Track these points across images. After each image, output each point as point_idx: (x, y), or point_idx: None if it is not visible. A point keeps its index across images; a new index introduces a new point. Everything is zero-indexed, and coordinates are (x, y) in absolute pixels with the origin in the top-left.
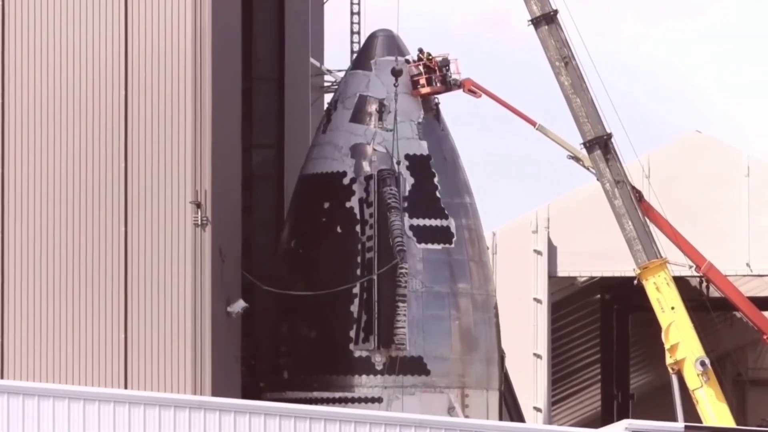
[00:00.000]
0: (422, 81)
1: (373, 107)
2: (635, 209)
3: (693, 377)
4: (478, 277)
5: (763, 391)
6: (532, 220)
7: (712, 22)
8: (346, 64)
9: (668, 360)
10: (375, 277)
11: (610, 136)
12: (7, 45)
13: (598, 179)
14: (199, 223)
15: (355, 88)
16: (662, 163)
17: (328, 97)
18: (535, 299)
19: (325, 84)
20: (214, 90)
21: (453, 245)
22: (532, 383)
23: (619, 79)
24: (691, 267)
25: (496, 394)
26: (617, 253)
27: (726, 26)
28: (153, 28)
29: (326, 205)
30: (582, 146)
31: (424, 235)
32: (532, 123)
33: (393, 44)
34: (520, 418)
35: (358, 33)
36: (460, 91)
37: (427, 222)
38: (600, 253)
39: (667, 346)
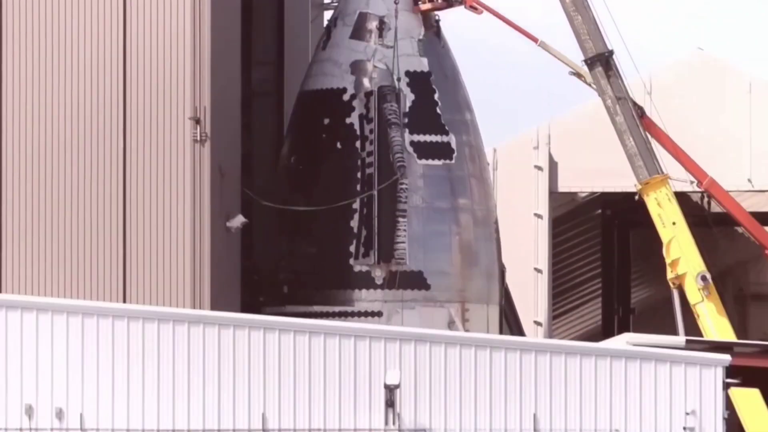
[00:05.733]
0: None
1: (373, 24)
2: (636, 125)
3: (694, 292)
4: (479, 192)
5: (765, 306)
6: (533, 136)
7: None
8: None
9: (669, 275)
10: (375, 193)
11: (611, 53)
12: None
13: (599, 95)
14: (198, 139)
15: (355, 5)
16: (664, 79)
17: (328, 15)
18: (535, 215)
19: (325, 1)
20: (214, 6)
21: (453, 161)
22: (532, 298)
23: None
24: (692, 182)
25: (497, 308)
26: (618, 169)
27: None
28: None
29: (326, 121)
30: (583, 63)
31: (424, 151)
32: (534, 39)
33: None
34: (520, 332)
35: None
36: (462, 7)
37: (428, 138)
38: (601, 169)
39: (668, 261)
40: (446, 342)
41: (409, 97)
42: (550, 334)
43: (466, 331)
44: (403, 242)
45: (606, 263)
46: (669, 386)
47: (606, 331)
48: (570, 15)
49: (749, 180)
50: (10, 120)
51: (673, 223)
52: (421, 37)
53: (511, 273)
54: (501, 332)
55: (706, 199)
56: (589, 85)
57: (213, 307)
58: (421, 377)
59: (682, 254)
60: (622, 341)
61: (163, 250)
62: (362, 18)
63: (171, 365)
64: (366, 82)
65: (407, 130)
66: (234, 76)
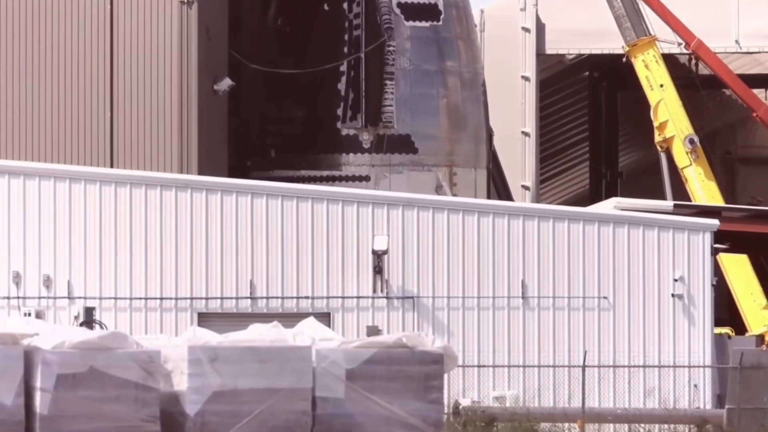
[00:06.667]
0: None
1: None
2: None
3: (682, 155)
4: (466, 55)
5: (753, 169)
6: None
7: None
8: None
9: (657, 138)
10: (362, 55)
11: None
12: None
13: None
14: (186, 0)
15: None
16: None
17: None
18: (523, 77)
19: None
20: None
21: (441, 23)
22: (520, 162)
23: None
24: (680, 44)
25: (484, 172)
26: (606, 31)
27: None
28: None
29: None
30: None
31: (411, 12)
32: None
33: None
34: (508, 196)
35: None
36: None
37: None
38: (589, 30)
39: (655, 124)
40: (434, 206)
41: None
42: (538, 198)
43: (454, 195)
44: (391, 105)
45: (593, 126)
46: (657, 252)
47: (594, 195)
48: None
49: (737, 41)
50: None
51: (661, 86)
52: None
53: (499, 136)
54: (489, 196)
55: (693, 61)
56: None
57: (200, 172)
58: (409, 243)
59: (670, 117)
60: (609, 206)
61: (151, 113)
62: None
63: (158, 231)
64: None
65: None
66: None
